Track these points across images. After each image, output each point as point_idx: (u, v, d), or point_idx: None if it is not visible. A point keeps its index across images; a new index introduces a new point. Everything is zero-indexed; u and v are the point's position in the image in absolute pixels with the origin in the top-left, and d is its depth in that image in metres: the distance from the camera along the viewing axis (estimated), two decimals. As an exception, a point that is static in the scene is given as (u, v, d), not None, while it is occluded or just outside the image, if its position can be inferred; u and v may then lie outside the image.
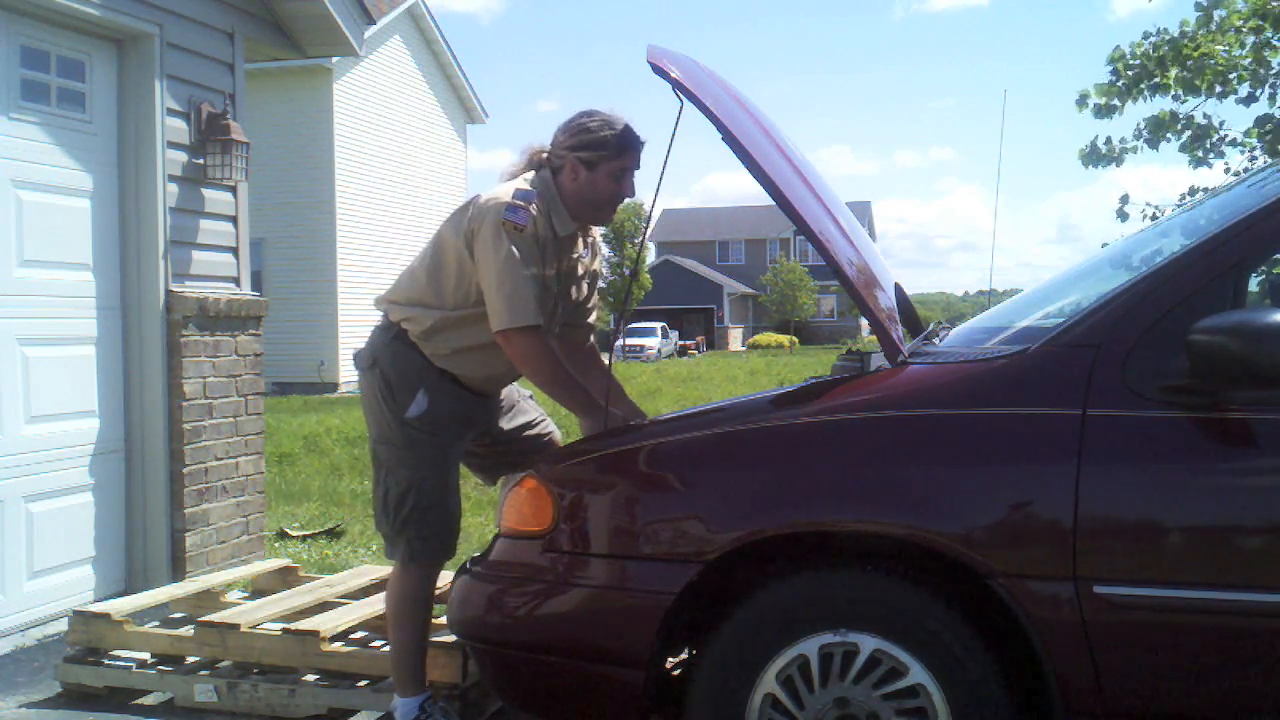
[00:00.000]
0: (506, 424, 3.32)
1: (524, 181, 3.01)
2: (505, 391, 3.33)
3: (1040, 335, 2.48)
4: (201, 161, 4.95)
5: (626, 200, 3.10)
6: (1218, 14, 7.41)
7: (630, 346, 39.57)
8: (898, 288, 3.47)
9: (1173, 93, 7.69)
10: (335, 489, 8.23)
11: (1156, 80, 7.62)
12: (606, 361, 3.35)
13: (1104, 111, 7.89)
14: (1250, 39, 7.32)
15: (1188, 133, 7.77)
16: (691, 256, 63.23)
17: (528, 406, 3.40)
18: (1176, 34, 7.58)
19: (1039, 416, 2.36)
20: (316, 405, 15.36)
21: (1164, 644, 2.30)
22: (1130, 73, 7.72)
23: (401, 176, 20.54)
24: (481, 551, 2.87)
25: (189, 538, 4.79)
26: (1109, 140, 8.04)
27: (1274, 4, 7.13)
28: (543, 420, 3.41)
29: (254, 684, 3.38)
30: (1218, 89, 7.47)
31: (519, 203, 2.92)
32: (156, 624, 3.89)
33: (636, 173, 3.05)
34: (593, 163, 2.96)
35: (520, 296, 2.87)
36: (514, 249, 2.87)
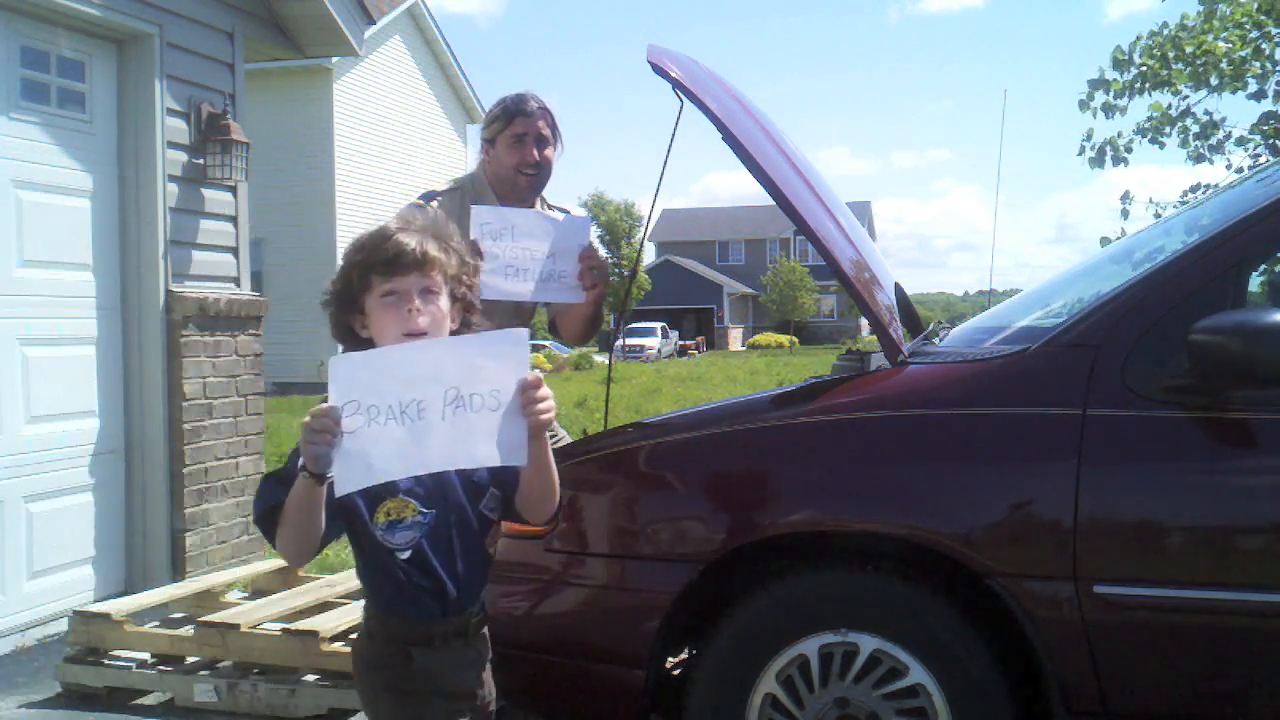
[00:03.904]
0: None
1: (446, 183, 3.14)
2: None
3: (1040, 335, 2.48)
4: (201, 161, 4.95)
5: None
6: (1220, 8, 7.40)
7: (630, 346, 39.57)
8: (898, 288, 3.47)
9: (1175, 89, 7.68)
10: (335, 489, 8.22)
11: (1161, 76, 7.60)
12: (606, 362, 3.36)
13: (1110, 110, 7.87)
14: (1254, 33, 7.31)
15: (1193, 129, 7.75)
16: (691, 256, 63.20)
17: None
18: (1176, 26, 7.58)
19: (1039, 416, 2.36)
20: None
21: (1164, 644, 2.29)
22: (1133, 71, 7.71)
23: (401, 177, 20.53)
24: (481, 551, 2.87)
25: (189, 538, 4.79)
26: (1112, 140, 8.02)
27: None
28: (553, 435, 3.41)
29: (254, 684, 3.38)
30: (1222, 81, 7.45)
31: (418, 201, 3.04)
32: (156, 624, 3.89)
33: (555, 147, 3.07)
34: (492, 139, 3.06)
35: None
36: None
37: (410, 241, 1.79)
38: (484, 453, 1.72)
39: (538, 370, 1.73)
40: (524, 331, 1.74)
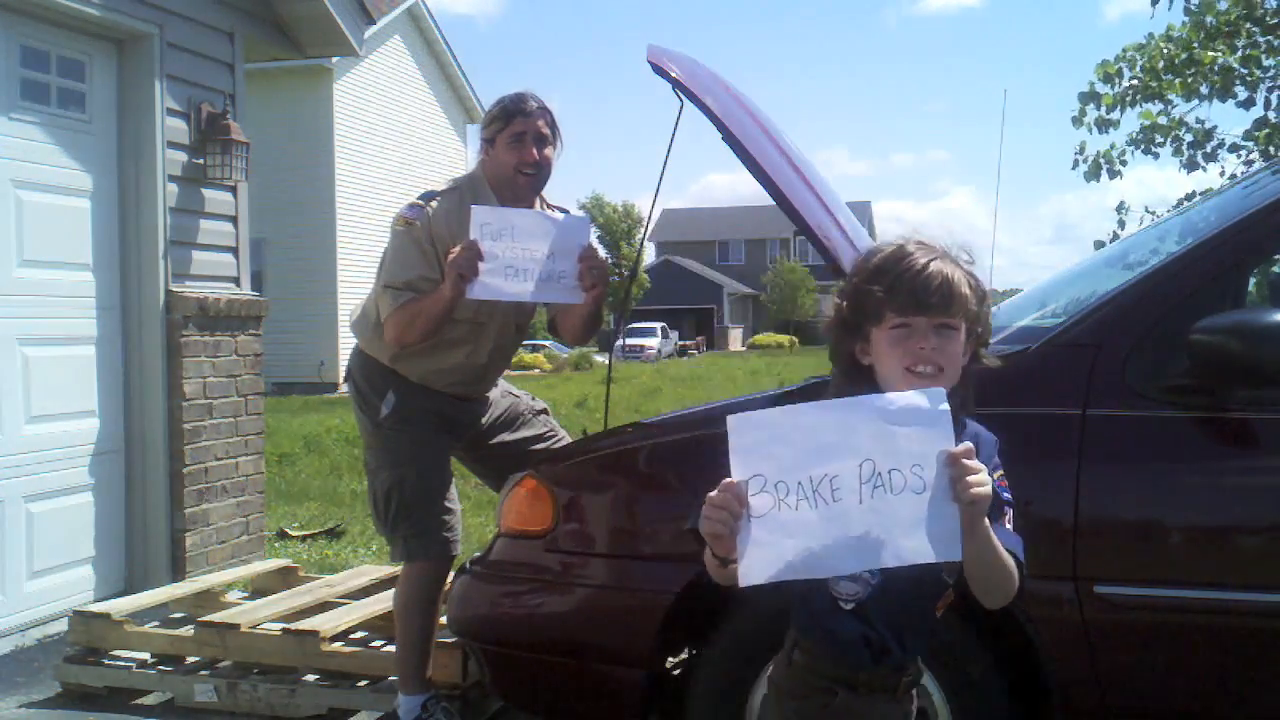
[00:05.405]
0: (510, 435, 3.32)
1: (445, 183, 3.13)
2: (509, 404, 3.34)
3: (1040, 335, 2.48)
4: (201, 161, 4.95)
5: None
6: (1208, 19, 7.42)
7: (630, 347, 39.59)
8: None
9: (1166, 99, 7.71)
10: (335, 489, 8.23)
11: (1151, 89, 7.64)
12: (606, 362, 3.36)
13: (1103, 126, 7.91)
14: (1241, 42, 7.33)
15: (1186, 137, 7.79)
16: (691, 256, 63.19)
17: (537, 421, 3.40)
18: (1161, 36, 7.60)
19: (1039, 416, 2.35)
20: (316, 405, 15.38)
21: (1164, 644, 2.30)
22: (1123, 84, 7.76)
23: (401, 176, 20.54)
24: (482, 551, 2.87)
25: (189, 538, 4.78)
26: (1105, 154, 8.05)
27: (1262, 9, 7.15)
28: (553, 435, 3.41)
29: (254, 684, 3.38)
30: (1213, 91, 7.48)
31: (417, 201, 3.04)
32: (156, 624, 3.89)
33: (555, 147, 3.04)
34: (491, 139, 3.04)
35: (392, 271, 2.96)
36: (400, 238, 3.00)
37: (937, 278, 1.59)
38: (909, 548, 1.44)
39: (967, 442, 1.48)
40: (943, 391, 1.50)
